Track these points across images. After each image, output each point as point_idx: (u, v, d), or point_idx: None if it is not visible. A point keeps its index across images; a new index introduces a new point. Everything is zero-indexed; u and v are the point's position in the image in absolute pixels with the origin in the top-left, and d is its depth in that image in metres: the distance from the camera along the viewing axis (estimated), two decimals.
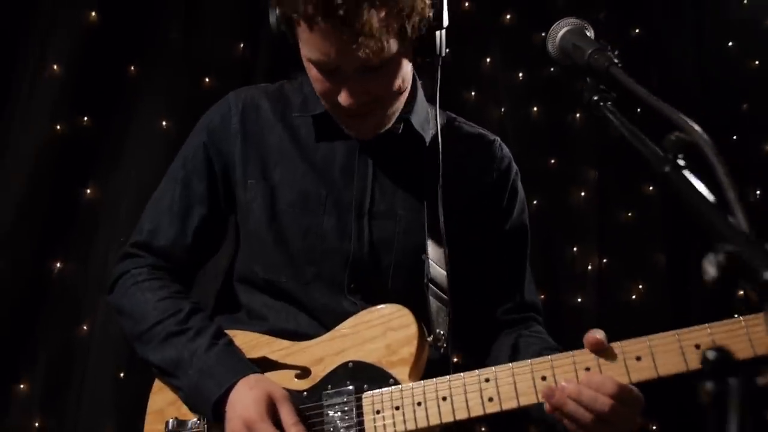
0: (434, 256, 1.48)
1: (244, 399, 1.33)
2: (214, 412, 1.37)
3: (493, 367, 1.26)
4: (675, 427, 3.24)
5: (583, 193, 3.35)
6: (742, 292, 0.75)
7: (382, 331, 1.38)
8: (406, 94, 1.47)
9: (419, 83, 1.57)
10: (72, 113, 3.00)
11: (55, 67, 2.96)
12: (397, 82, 1.40)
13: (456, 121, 1.67)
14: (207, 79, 3.20)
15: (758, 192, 3.56)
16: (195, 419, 1.46)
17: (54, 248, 2.93)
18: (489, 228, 1.60)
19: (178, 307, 1.49)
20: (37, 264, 2.89)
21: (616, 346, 1.20)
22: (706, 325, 1.15)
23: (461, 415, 1.24)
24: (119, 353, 2.81)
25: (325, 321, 1.45)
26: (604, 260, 3.29)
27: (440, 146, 1.52)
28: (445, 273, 1.47)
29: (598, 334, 1.20)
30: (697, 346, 1.14)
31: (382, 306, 1.40)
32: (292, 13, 1.30)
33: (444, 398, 1.26)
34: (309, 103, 1.55)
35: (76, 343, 2.88)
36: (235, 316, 1.56)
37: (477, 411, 1.24)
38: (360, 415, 1.33)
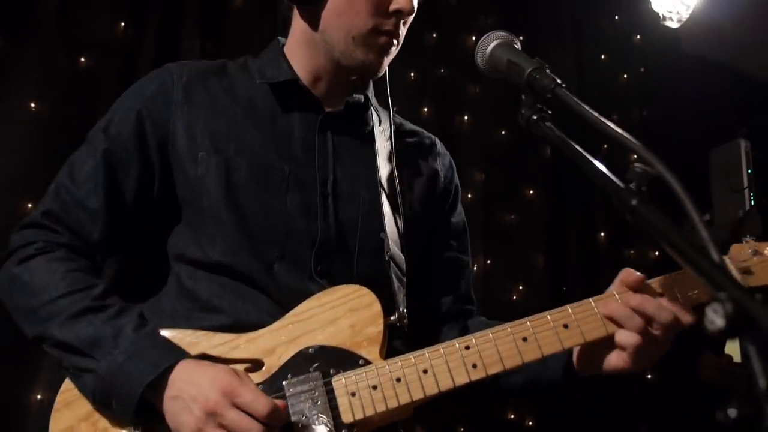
0: (392, 237, 1.46)
1: (195, 378, 1.19)
2: (139, 403, 1.21)
3: (470, 335, 1.27)
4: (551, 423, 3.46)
5: (470, 195, 3.43)
6: None
7: (342, 312, 1.33)
8: None
9: None
10: None
11: None
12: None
13: (396, 117, 1.66)
14: (83, 59, 2.93)
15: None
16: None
17: None
18: (438, 220, 1.63)
19: (91, 282, 1.34)
20: None
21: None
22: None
23: (446, 385, 1.23)
24: None
25: (289, 306, 1.35)
26: (488, 261, 3.41)
27: (392, 126, 1.57)
28: (401, 255, 1.47)
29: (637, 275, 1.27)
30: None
31: (338, 287, 1.36)
32: None
33: (425, 371, 1.24)
34: (266, 72, 1.51)
35: None
36: (172, 308, 1.40)
37: (462, 379, 1.23)
38: (332, 399, 1.25)
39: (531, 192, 3.58)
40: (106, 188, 1.41)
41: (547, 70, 1.13)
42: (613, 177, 0.94)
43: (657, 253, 3.68)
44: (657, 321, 1.20)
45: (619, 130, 0.96)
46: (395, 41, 1.46)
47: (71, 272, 1.34)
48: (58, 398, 1.35)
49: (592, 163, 0.99)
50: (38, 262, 1.36)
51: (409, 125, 1.71)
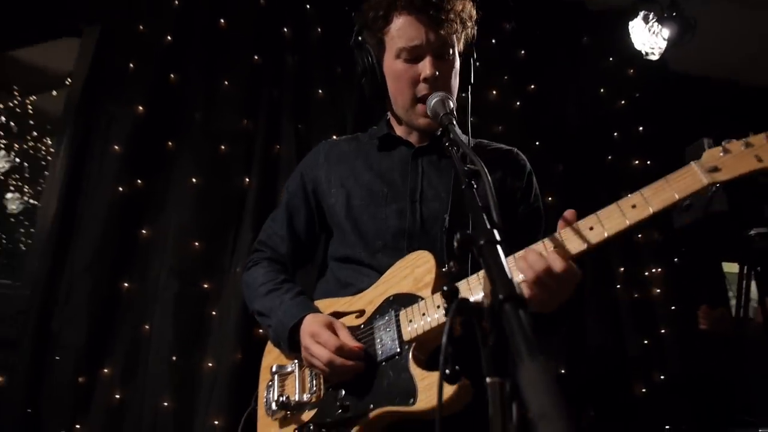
0: (453, 217, 1.69)
1: (311, 323, 1.62)
2: (289, 339, 1.65)
3: (480, 272, 1.43)
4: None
5: None
6: None
7: (410, 270, 1.60)
8: (455, 94, 1.77)
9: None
10: (130, 178, 3.53)
11: (116, 146, 3.53)
12: (454, 78, 1.74)
13: (482, 142, 1.97)
14: (222, 146, 3.70)
15: (629, 194, 4.27)
16: (292, 362, 1.71)
17: (122, 272, 3.42)
18: (508, 209, 1.80)
19: (277, 276, 1.87)
20: (112, 284, 3.37)
21: (573, 226, 1.34)
22: (637, 192, 1.29)
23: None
24: (171, 344, 3.30)
25: None
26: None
27: (469, 144, 1.75)
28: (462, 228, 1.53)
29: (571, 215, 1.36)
30: (633, 206, 1.28)
31: (409, 254, 1.64)
32: (391, 11, 1.68)
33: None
34: (375, 133, 1.97)
35: (141, 338, 3.33)
36: (327, 288, 1.85)
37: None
38: (399, 327, 1.53)
39: None
40: (288, 223, 1.95)
41: (453, 118, 1.45)
42: (464, 177, 1.19)
43: None
44: (534, 270, 1.29)
45: (468, 148, 1.26)
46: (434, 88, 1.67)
47: (268, 272, 1.88)
48: (267, 347, 1.85)
49: (468, 183, 1.20)
50: (254, 269, 1.93)
51: (493, 145, 1.96)
